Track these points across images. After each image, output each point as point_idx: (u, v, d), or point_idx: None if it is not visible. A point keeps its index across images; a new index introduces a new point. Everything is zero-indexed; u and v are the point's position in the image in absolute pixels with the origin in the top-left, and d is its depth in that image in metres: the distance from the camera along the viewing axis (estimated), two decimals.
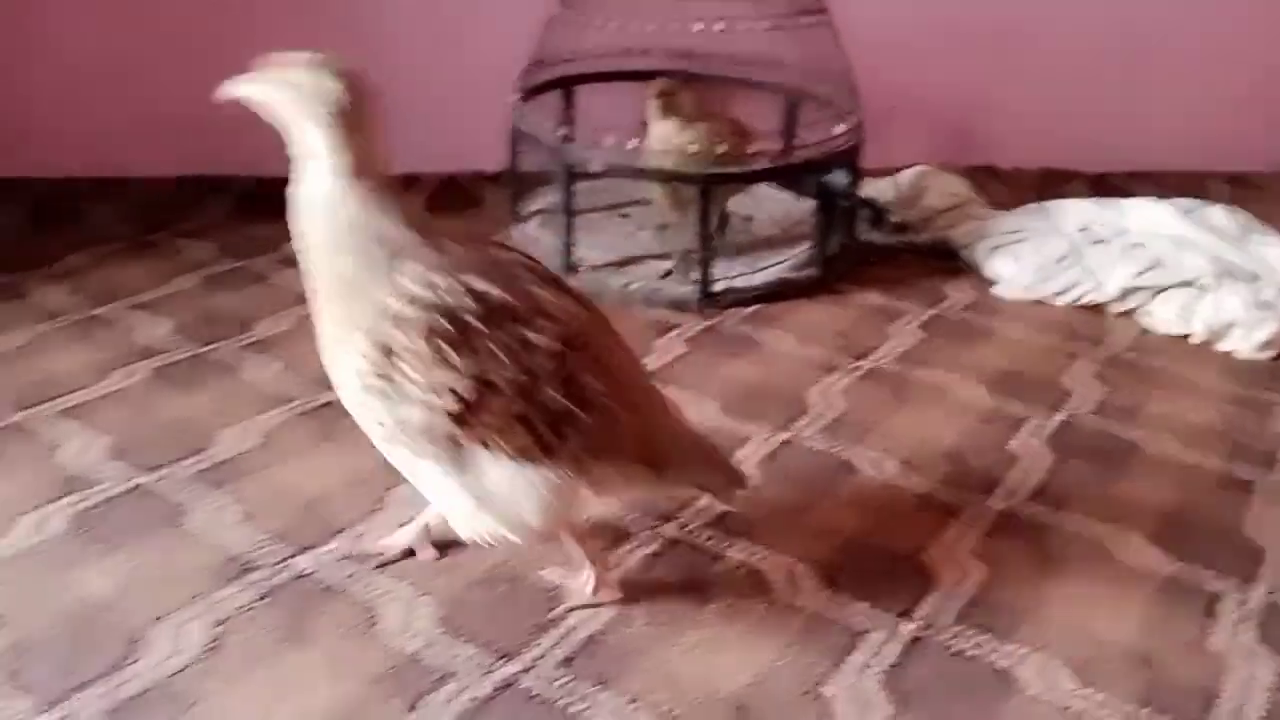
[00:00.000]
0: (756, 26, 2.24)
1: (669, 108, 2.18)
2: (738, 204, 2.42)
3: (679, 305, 2.13)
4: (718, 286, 2.14)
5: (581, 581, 1.34)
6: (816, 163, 2.20)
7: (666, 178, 2.11)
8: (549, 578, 1.36)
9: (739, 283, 2.18)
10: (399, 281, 1.12)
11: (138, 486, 1.50)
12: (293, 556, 1.38)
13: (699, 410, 1.74)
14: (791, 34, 2.30)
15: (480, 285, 1.14)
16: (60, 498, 1.47)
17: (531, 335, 1.14)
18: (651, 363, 1.90)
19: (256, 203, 2.46)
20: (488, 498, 1.18)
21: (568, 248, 2.20)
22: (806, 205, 2.46)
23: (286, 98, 1.12)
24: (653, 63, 2.45)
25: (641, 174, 2.13)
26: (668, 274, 2.21)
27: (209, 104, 1.19)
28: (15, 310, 1.99)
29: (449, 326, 1.11)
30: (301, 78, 1.12)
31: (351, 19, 2.58)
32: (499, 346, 1.12)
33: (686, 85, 2.29)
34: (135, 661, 1.21)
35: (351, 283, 1.13)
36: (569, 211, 2.18)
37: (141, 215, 2.43)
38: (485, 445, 1.15)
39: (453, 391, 1.11)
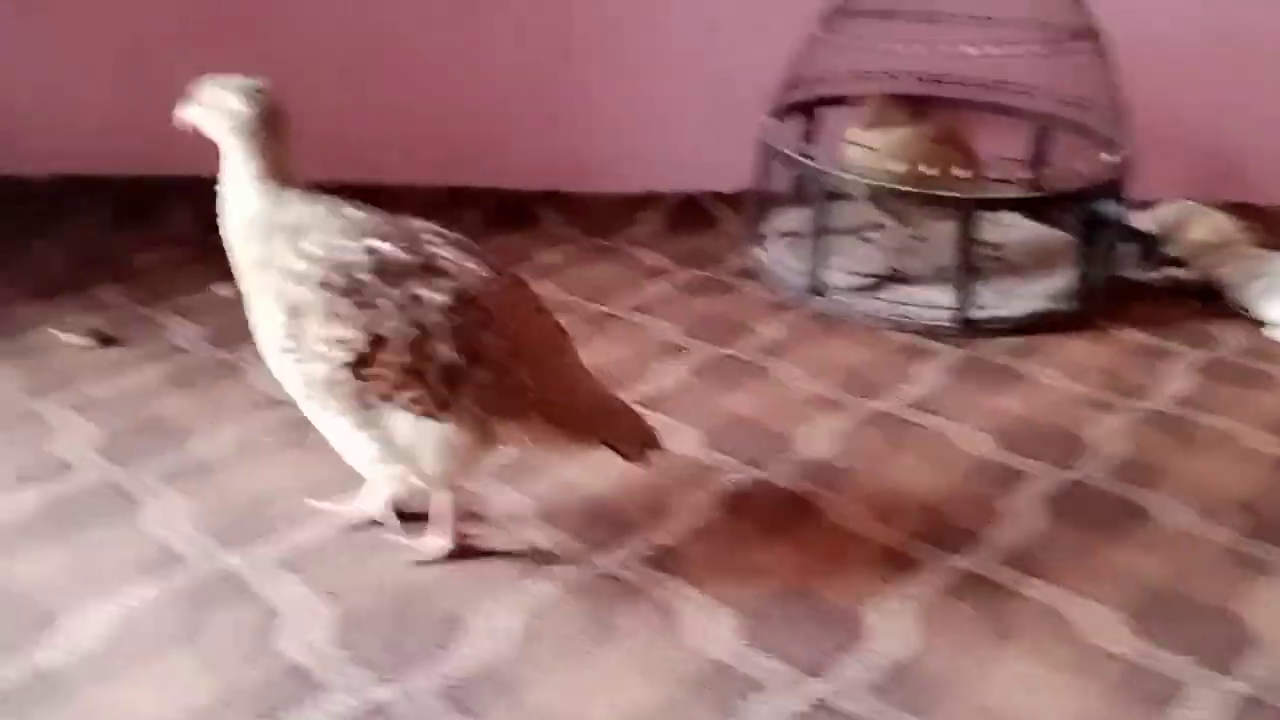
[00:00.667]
0: (1021, 52, 2.19)
1: (876, 121, 2.18)
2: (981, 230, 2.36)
3: (932, 331, 2.08)
4: (975, 314, 2.09)
5: (437, 546, 1.40)
6: (1084, 192, 2.12)
7: (926, 201, 2.07)
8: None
9: (996, 311, 2.12)
10: (300, 246, 1.24)
11: None
12: (591, 555, 1.42)
13: (971, 443, 1.70)
14: (1053, 60, 2.24)
15: (376, 244, 1.23)
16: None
17: (423, 291, 1.22)
18: (911, 391, 1.87)
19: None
20: (392, 449, 1.27)
21: (816, 270, 2.18)
22: (1059, 235, 2.39)
23: (210, 116, 1.31)
24: (900, 86, 2.42)
25: (902, 198, 2.09)
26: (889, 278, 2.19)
27: None
28: None
29: (341, 280, 1.21)
30: (219, 99, 1.30)
31: (589, 34, 2.65)
32: (389, 300, 1.21)
33: (895, 101, 2.26)
34: (455, 646, 1.26)
35: (261, 261, 1.27)
36: (820, 233, 2.16)
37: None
38: (386, 399, 1.23)
39: (344, 344, 1.21)
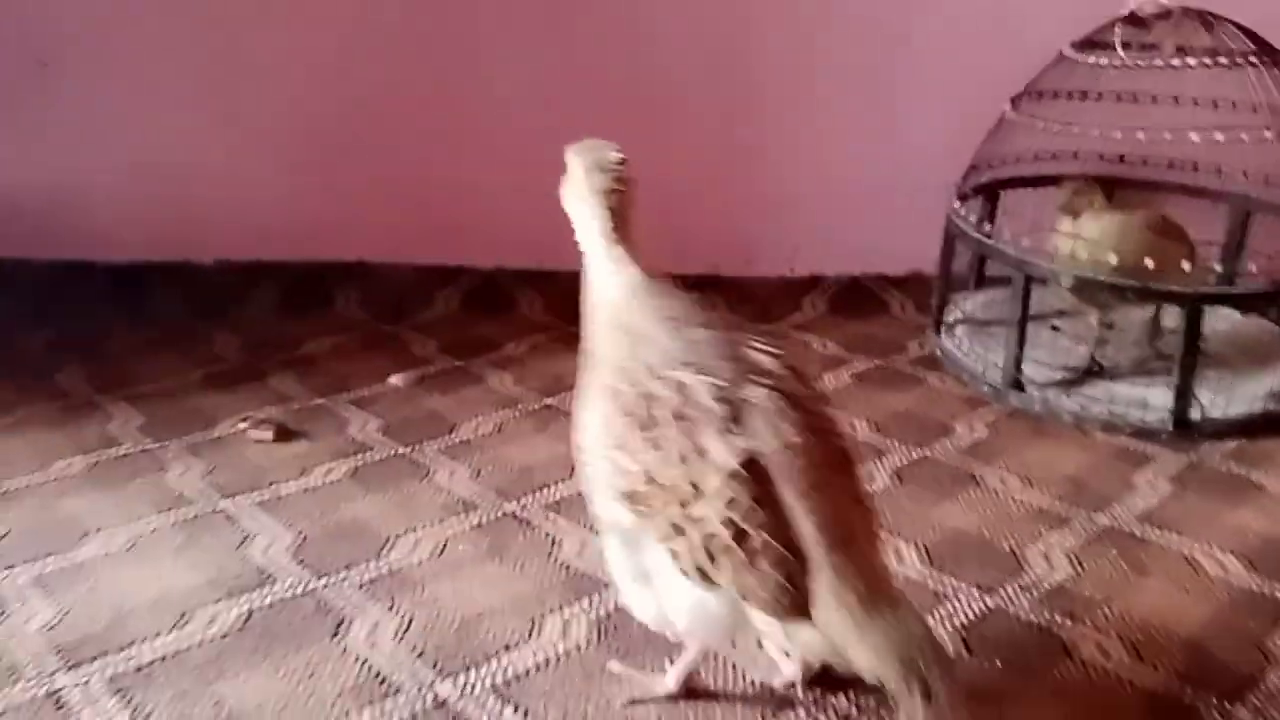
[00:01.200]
0: (1218, 135, 2.05)
1: (1073, 204, 2.06)
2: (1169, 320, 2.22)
3: (1147, 433, 1.94)
4: (1194, 414, 1.94)
5: (659, 686, 1.31)
6: None
7: (1145, 295, 1.94)
8: (612, 669, 1.35)
9: (1214, 412, 1.96)
10: (627, 364, 1.17)
11: None
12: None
13: (1219, 565, 1.55)
14: (1252, 139, 2.10)
15: (686, 380, 1.13)
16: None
17: (712, 444, 1.09)
18: (1138, 503, 1.72)
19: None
20: (649, 584, 1.18)
21: (1017, 362, 2.06)
22: (1266, 326, 2.23)
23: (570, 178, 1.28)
24: (1086, 167, 2.31)
25: (1116, 291, 1.96)
26: (1089, 371, 2.06)
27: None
28: None
29: (642, 412, 1.13)
30: (579, 159, 1.25)
31: (759, 113, 2.59)
32: (675, 448, 1.10)
33: (1097, 184, 2.14)
34: None
35: (600, 357, 1.22)
36: (1023, 322, 2.05)
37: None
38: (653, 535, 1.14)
39: (625, 473, 1.13)
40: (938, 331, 2.33)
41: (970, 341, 2.25)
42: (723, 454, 1.08)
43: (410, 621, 1.44)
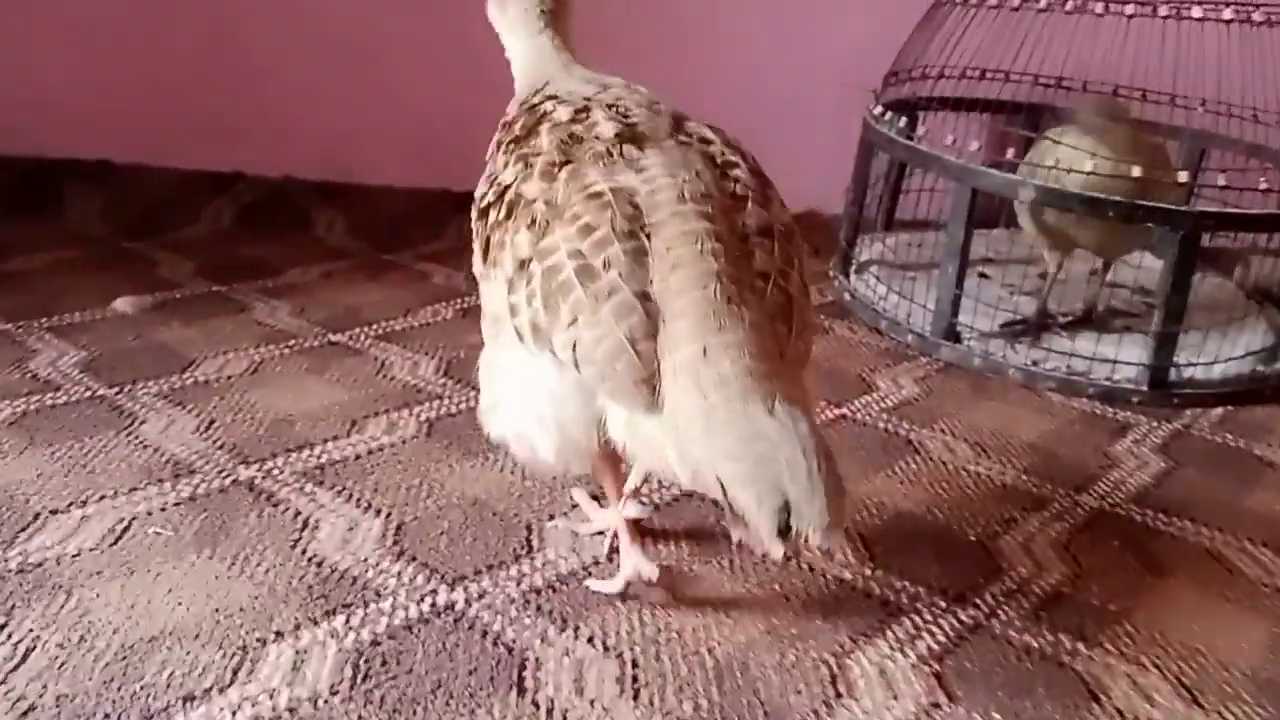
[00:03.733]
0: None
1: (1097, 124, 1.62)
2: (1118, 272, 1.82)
3: (1115, 396, 1.51)
4: (1173, 375, 1.52)
5: (606, 518, 1.08)
6: None
7: (1132, 212, 1.49)
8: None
9: (1193, 373, 1.55)
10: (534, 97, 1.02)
11: None
12: None
13: (1259, 565, 1.12)
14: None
15: (592, 105, 0.96)
16: None
17: (587, 168, 0.89)
18: (1130, 481, 1.28)
19: None
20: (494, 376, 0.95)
21: (954, 306, 1.61)
22: (1221, 283, 1.85)
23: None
24: (1014, 91, 1.89)
25: (1097, 205, 1.50)
26: (1038, 324, 1.64)
27: None
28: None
29: (524, 122, 0.97)
30: None
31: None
32: (544, 160, 0.90)
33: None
34: None
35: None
36: (964, 254, 1.59)
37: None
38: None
39: (481, 198, 0.95)
40: (845, 273, 1.87)
41: (887, 286, 1.78)
42: (596, 174, 0.88)
43: None
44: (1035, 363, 1.56)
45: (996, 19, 1.76)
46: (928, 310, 1.64)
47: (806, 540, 0.74)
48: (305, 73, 2.06)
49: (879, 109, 1.79)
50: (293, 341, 1.53)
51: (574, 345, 0.82)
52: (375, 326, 1.61)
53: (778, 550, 0.75)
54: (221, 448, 1.21)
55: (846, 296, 1.81)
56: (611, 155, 0.89)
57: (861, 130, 1.84)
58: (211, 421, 1.27)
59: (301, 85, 2.06)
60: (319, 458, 1.20)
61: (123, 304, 1.62)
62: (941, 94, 1.93)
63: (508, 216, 0.89)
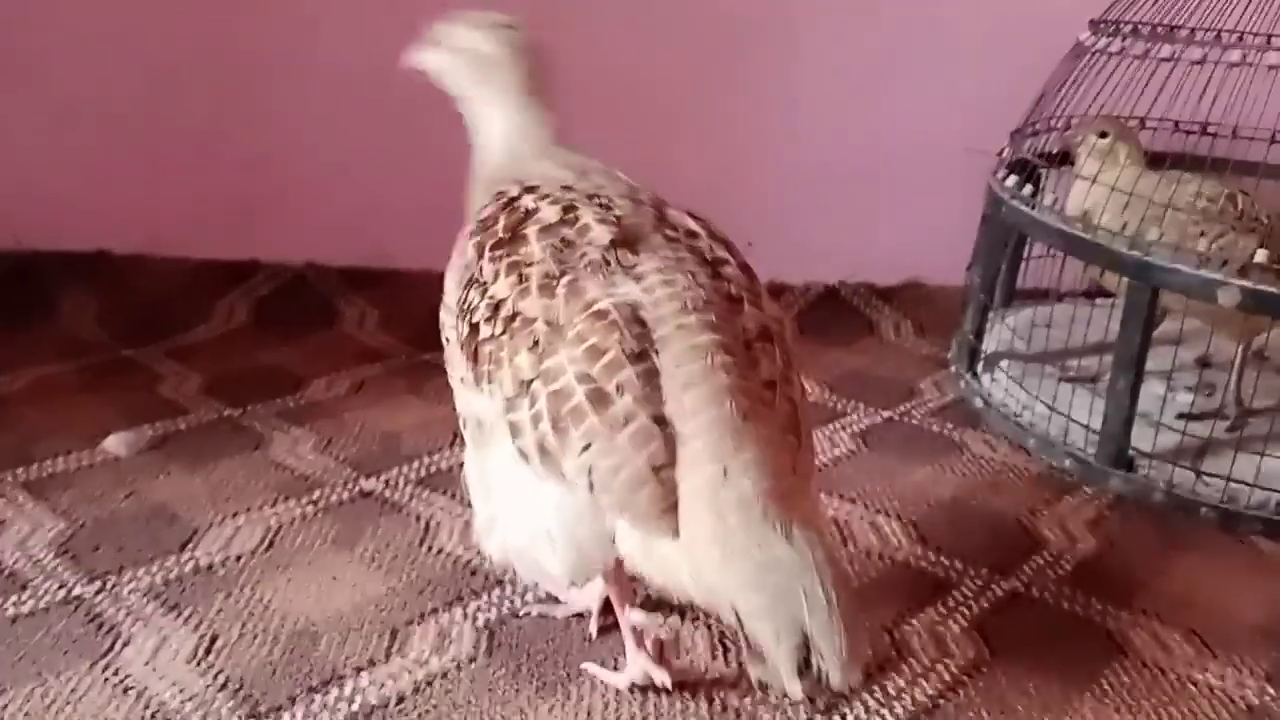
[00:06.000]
0: None
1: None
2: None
3: None
4: None
5: (582, 600, 1.03)
6: None
7: None
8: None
9: None
10: (501, 185, 0.96)
11: None
12: None
13: None
14: None
15: (577, 200, 0.90)
16: None
17: (584, 278, 0.84)
18: None
19: None
20: (494, 491, 0.89)
21: (1127, 425, 1.30)
22: None
23: (455, 63, 1.03)
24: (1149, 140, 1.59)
25: None
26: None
27: None
28: None
29: (504, 226, 0.90)
30: (466, 40, 1.02)
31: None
32: (538, 271, 0.85)
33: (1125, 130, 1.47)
34: None
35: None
36: (1140, 362, 1.28)
37: None
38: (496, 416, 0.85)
39: (469, 313, 0.88)
40: (971, 369, 1.56)
41: (1027, 391, 1.47)
42: (596, 288, 0.84)
43: None
44: (1232, 498, 1.25)
45: (1140, 67, 1.47)
46: (1091, 431, 1.34)
47: (825, 680, 0.71)
48: (327, 146, 1.79)
49: (1007, 179, 1.49)
50: (316, 494, 1.25)
51: (589, 470, 0.79)
52: (416, 466, 1.33)
53: (797, 689, 0.72)
54: (224, 689, 0.93)
55: (978, 401, 1.50)
56: (609, 264, 0.85)
57: (986, 202, 1.55)
58: (213, 640, 0.99)
59: (323, 160, 1.79)
60: (366, 693, 0.92)
61: (114, 443, 1.35)
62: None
63: (503, 332, 0.85)
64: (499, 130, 1.01)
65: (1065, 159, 1.60)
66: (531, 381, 0.82)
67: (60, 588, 1.05)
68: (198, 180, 1.79)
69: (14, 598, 1.04)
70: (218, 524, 1.18)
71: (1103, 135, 1.45)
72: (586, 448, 0.78)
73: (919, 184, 1.83)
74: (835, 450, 1.40)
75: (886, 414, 1.51)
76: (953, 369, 1.61)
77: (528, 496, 0.84)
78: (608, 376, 0.79)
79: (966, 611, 1.06)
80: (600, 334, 0.81)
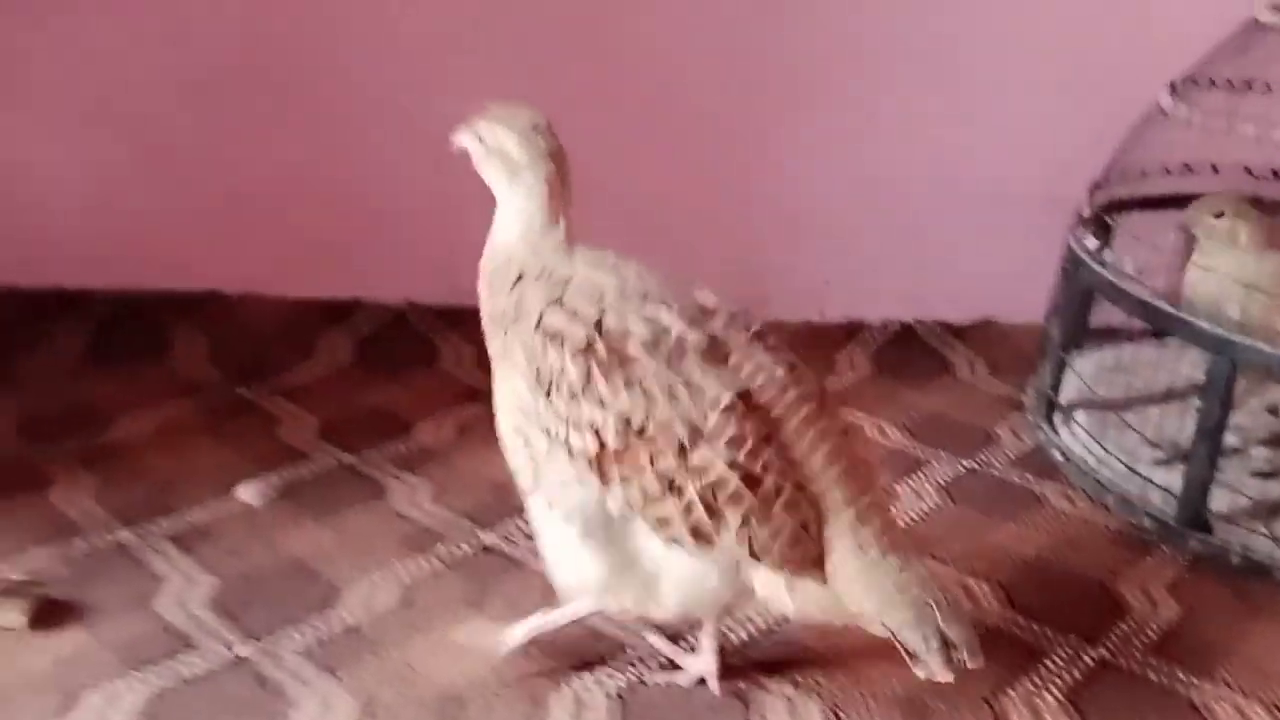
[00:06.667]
0: None
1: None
2: None
3: None
4: None
5: (700, 666, 1.13)
6: None
7: None
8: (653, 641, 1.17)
9: None
10: (567, 299, 1.04)
11: None
12: None
13: None
14: None
15: (657, 312, 1.02)
16: None
17: (706, 380, 0.98)
18: None
19: None
20: (625, 571, 1.03)
21: (1203, 489, 1.36)
22: None
23: (489, 158, 1.10)
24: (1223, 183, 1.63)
25: None
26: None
27: None
28: None
29: (605, 348, 0.99)
30: (501, 139, 1.09)
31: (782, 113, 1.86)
32: (658, 384, 0.98)
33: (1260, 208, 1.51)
34: None
35: (518, 306, 1.06)
36: (1218, 438, 1.34)
37: None
38: (630, 509, 0.99)
39: (594, 430, 0.98)
40: (1048, 420, 1.63)
41: (1104, 448, 1.53)
42: (715, 386, 0.98)
43: None
44: None
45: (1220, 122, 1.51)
46: (1169, 493, 1.40)
47: (963, 665, 0.95)
48: (423, 184, 1.87)
49: (1086, 238, 1.55)
50: (441, 549, 1.35)
51: (750, 540, 0.96)
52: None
53: (949, 676, 0.95)
54: None
55: (1056, 454, 1.57)
56: (713, 365, 0.98)
57: (1065, 258, 1.60)
58: (370, 704, 1.08)
59: (419, 198, 1.87)
60: None
61: (246, 492, 1.45)
62: (1146, 192, 1.69)
63: (639, 442, 0.96)
64: (520, 222, 1.09)
65: (1142, 204, 1.66)
66: (673, 480, 0.96)
67: (225, 648, 1.15)
68: (296, 219, 1.88)
69: (185, 658, 1.14)
70: (356, 581, 1.27)
71: (1218, 215, 1.47)
72: (745, 522, 0.96)
73: (993, 225, 1.88)
74: (922, 504, 1.48)
75: (967, 464, 1.58)
76: (1030, 418, 1.67)
77: (656, 564, 1.01)
78: (754, 460, 0.96)
79: (1059, 682, 1.14)
80: (735, 426, 0.96)
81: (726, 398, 0.97)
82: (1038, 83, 1.84)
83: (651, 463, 0.96)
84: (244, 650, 1.15)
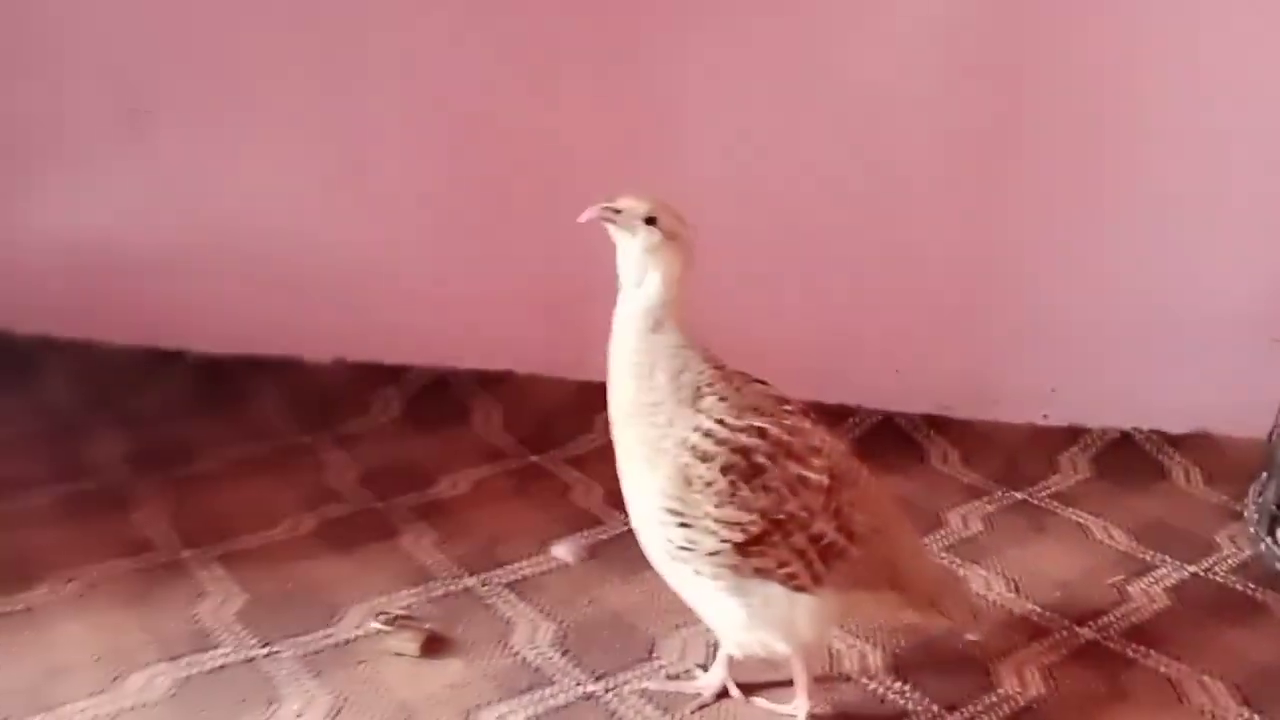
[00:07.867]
0: None
1: None
2: None
3: None
4: None
5: (795, 708, 1.37)
6: None
7: None
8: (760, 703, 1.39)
9: None
10: (700, 419, 1.23)
11: None
12: None
13: None
14: None
15: (763, 424, 1.25)
16: None
17: (806, 472, 1.25)
18: None
19: None
20: (760, 617, 1.27)
21: None
22: None
23: (630, 231, 1.24)
24: None
25: None
26: None
27: None
28: None
29: (744, 464, 1.22)
30: (643, 231, 1.24)
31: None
32: (784, 483, 1.23)
33: None
34: None
35: (658, 408, 1.25)
36: None
37: None
38: (763, 573, 1.24)
39: (740, 527, 1.22)
40: (1271, 534, 1.77)
41: None
42: (817, 476, 1.25)
43: None
44: None
45: None
46: None
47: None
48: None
49: None
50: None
51: (851, 577, 1.28)
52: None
53: (977, 634, 1.49)
54: None
55: (1260, 555, 1.71)
56: (806, 454, 1.26)
57: None
58: None
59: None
60: None
61: (562, 551, 1.70)
62: None
63: (774, 524, 1.23)
64: (642, 302, 1.25)
65: None
66: (803, 551, 1.24)
67: (576, 685, 1.41)
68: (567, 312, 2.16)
69: (539, 693, 1.39)
70: (669, 635, 1.52)
71: None
72: (843, 558, 1.27)
73: (1208, 339, 2.02)
74: (1154, 605, 1.64)
75: (1192, 569, 1.73)
76: (1251, 529, 1.81)
77: (801, 608, 1.27)
78: (848, 520, 1.27)
79: None
80: (832, 498, 1.26)
81: (826, 483, 1.25)
82: (1262, 196, 1.95)
83: (786, 538, 1.22)
84: (590, 687, 1.41)
